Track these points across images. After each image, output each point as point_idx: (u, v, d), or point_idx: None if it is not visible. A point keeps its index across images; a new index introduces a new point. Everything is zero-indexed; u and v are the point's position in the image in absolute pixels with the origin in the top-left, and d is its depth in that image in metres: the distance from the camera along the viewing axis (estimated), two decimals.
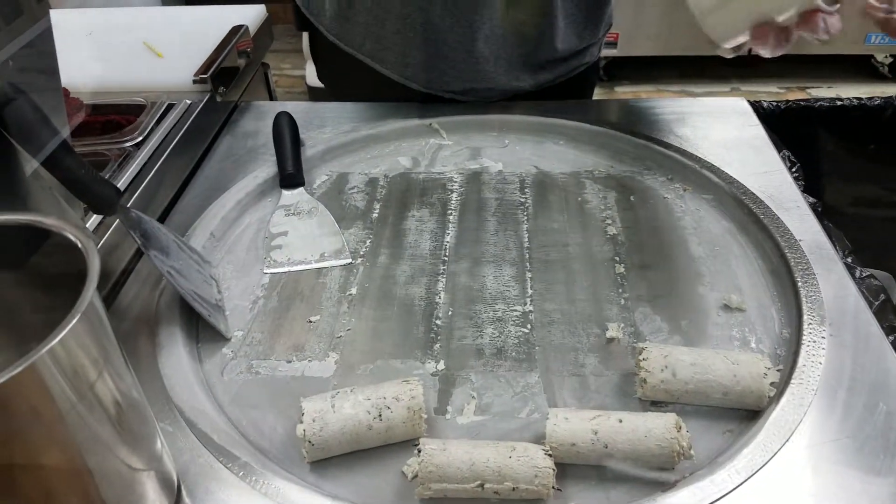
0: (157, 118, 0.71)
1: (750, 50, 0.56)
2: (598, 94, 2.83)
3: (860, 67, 2.78)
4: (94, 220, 0.57)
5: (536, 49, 0.79)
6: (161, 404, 0.47)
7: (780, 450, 0.42)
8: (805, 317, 0.51)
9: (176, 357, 0.50)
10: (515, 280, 0.59)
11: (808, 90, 2.71)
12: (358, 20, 0.76)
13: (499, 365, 0.51)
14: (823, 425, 0.44)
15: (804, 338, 0.49)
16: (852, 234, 1.09)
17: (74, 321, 0.28)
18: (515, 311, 0.56)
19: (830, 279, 0.55)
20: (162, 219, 0.64)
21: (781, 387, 0.46)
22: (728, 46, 0.56)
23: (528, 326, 0.54)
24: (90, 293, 0.29)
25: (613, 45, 2.64)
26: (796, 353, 0.48)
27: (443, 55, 0.76)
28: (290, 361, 0.51)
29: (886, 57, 2.72)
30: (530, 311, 0.56)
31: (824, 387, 0.47)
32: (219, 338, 0.53)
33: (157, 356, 0.50)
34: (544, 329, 0.54)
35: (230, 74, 0.83)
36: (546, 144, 0.76)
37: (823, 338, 0.50)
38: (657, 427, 0.41)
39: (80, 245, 0.32)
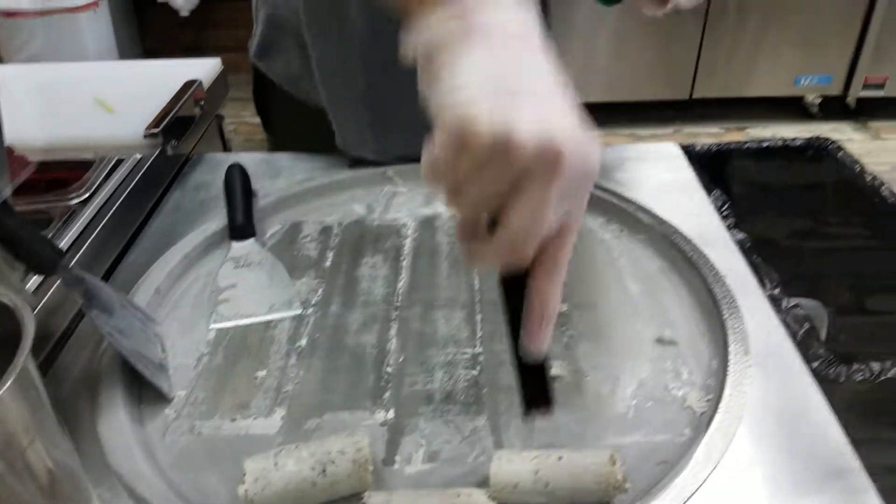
0: (105, 174, 0.71)
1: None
2: None
3: (793, 108, 2.93)
4: (34, 280, 0.56)
5: None
6: (99, 470, 0.46)
7: (708, 477, 0.44)
8: (731, 347, 0.54)
9: (116, 420, 0.49)
10: (466, 322, 0.60)
11: (747, 130, 2.83)
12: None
13: (448, 410, 0.52)
14: (749, 451, 0.47)
15: (730, 368, 0.52)
16: (788, 266, 1.14)
17: (5, 388, 0.28)
18: (465, 353, 0.57)
19: (755, 311, 0.58)
20: (107, 276, 0.64)
21: (710, 416, 0.48)
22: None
23: (478, 369, 0.55)
24: (22, 358, 0.29)
25: None
26: (723, 383, 0.51)
27: (389, 125, 0.78)
28: (234, 420, 0.51)
29: (816, 97, 2.87)
30: (480, 353, 0.57)
31: (749, 414, 0.49)
32: (161, 398, 0.52)
33: (96, 420, 0.49)
34: (493, 370, 0.55)
35: (183, 127, 0.84)
36: None
37: (748, 367, 0.52)
38: (594, 463, 0.43)
39: (14, 308, 0.32)
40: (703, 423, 0.49)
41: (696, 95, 2.78)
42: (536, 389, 0.40)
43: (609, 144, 0.95)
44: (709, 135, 2.80)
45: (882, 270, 1.01)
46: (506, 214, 0.33)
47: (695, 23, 2.63)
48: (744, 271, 0.64)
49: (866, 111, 2.90)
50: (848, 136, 2.81)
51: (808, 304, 0.94)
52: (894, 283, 0.99)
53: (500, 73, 0.33)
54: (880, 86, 2.79)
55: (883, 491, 0.44)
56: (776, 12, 2.62)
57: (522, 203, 0.32)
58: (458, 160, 0.32)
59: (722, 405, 0.49)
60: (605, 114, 2.84)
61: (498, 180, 0.32)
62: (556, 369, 0.54)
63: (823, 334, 0.94)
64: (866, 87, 2.78)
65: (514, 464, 0.43)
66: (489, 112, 0.31)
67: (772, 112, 2.91)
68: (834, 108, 2.92)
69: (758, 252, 0.84)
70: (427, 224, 0.73)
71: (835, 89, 2.80)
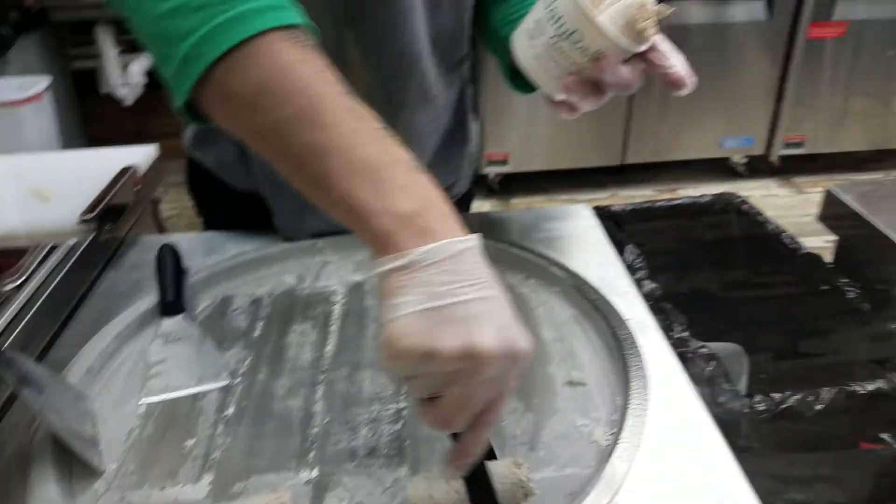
0: (39, 259, 0.74)
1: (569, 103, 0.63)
2: (494, 205, 3.01)
3: (720, 169, 3.11)
4: None
5: None
6: None
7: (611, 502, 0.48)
8: (632, 384, 0.58)
9: (46, 497, 0.50)
10: (391, 381, 0.63)
11: (678, 191, 2.98)
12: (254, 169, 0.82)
13: (371, 464, 0.54)
14: (648, 477, 0.51)
15: (630, 402, 0.56)
16: (725, 314, 1.20)
17: None
18: (389, 409, 0.60)
19: (654, 352, 0.64)
20: (41, 356, 0.65)
21: (612, 447, 0.53)
22: (558, 99, 0.64)
23: (401, 423, 0.58)
24: None
25: (505, 162, 2.87)
26: (623, 417, 0.55)
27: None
28: (163, 489, 0.52)
29: (741, 158, 3.05)
30: (403, 408, 0.60)
31: (647, 443, 0.53)
32: (92, 472, 0.53)
33: (27, 497, 0.50)
34: (415, 423, 0.58)
35: (118, 212, 0.87)
36: None
37: (647, 401, 0.57)
38: (500, 467, 0.46)
39: None
40: (606, 454, 0.53)
41: (627, 161, 2.93)
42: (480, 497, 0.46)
43: (530, 207, 1.01)
44: (643, 197, 2.93)
45: (809, 314, 1.08)
46: (440, 400, 0.42)
47: (619, 99, 2.78)
48: (646, 317, 0.69)
49: (789, 168, 3.09)
50: (773, 192, 2.98)
51: (727, 348, 1.00)
52: (822, 325, 1.05)
53: (432, 294, 0.40)
54: (799, 144, 2.98)
55: None
56: (698, 81, 2.81)
57: (452, 393, 0.41)
58: (392, 366, 0.41)
59: (623, 436, 0.54)
60: (547, 181, 3.00)
61: (430, 380, 0.41)
62: None
63: (744, 378, 1.00)
64: (787, 145, 2.98)
65: (430, 480, 0.46)
66: (417, 331, 0.39)
67: (701, 172, 3.08)
68: (759, 167, 3.10)
69: (671, 301, 0.90)
70: (356, 289, 0.77)
71: (757, 149, 2.99)
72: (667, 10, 0.57)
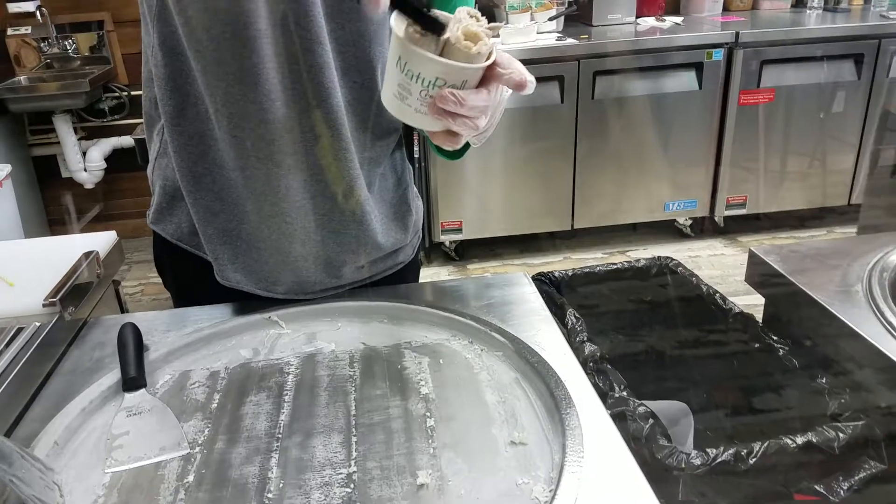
0: (5, 342, 0.77)
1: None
2: (451, 271, 3.08)
3: (668, 230, 3.25)
4: None
5: (351, 251, 0.91)
6: None
7: None
8: (568, 444, 0.63)
9: None
10: (342, 445, 0.67)
11: (627, 253, 3.10)
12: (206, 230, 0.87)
13: None
14: None
15: (566, 459, 0.61)
16: (680, 372, 1.26)
17: None
18: (341, 473, 0.64)
19: (590, 411, 0.69)
20: (9, 433, 0.68)
21: (550, 503, 0.57)
22: (437, 130, 0.68)
23: (352, 486, 0.62)
24: None
25: (460, 230, 2.95)
26: (561, 474, 0.60)
27: (263, 259, 0.88)
28: None
29: (686, 219, 3.20)
30: (354, 472, 0.64)
31: (583, 500, 0.58)
32: None
33: None
34: (365, 486, 0.62)
35: (80, 295, 0.91)
36: (373, 324, 0.89)
37: (582, 457, 0.62)
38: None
39: None
40: None
41: (577, 226, 3.05)
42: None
43: (475, 275, 1.08)
44: (594, 259, 3.05)
45: (753, 369, 1.14)
46: None
47: (565, 167, 2.93)
48: (582, 378, 0.74)
49: (733, 228, 3.25)
50: (720, 252, 3.12)
51: (671, 406, 1.06)
52: (766, 379, 1.12)
53: None
54: (742, 204, 3.14)
55: None
56: (635, 151, 2.97)
57: None
58: None
59: (559, 492, 0.58)
60: (502, 246, 3.10)
61: None
62: (421, 478, 0.62)
63: (690, 435, 1.05)
64: (729, 206, 3.13)
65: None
66: None
67: (650, 234, 3.22)
68: (705, 227, 3.25)
69: (612, 362, 0.96)
70: (308, 360, 0.81)
71: (701, 211, 3.14)
72: (495, 26, 0.62)
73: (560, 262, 3.02)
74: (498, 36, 0.64)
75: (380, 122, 0.87)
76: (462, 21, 0.61)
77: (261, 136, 0.79)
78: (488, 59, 0.63)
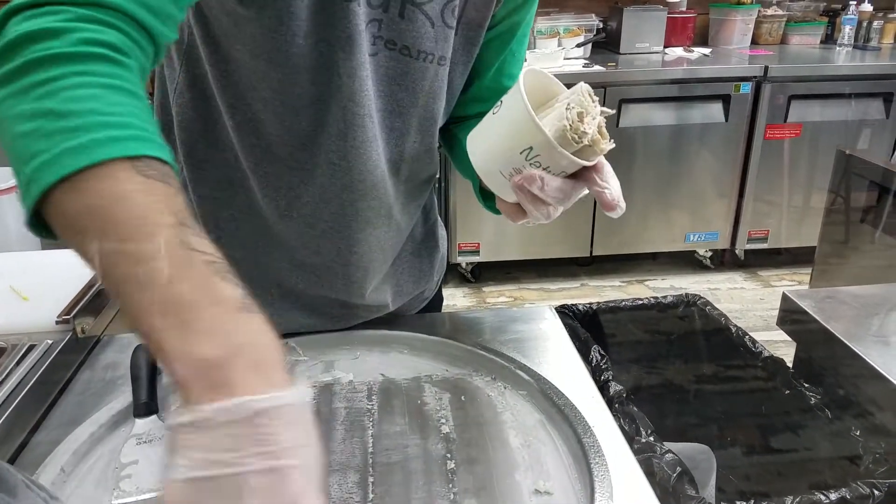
0: (17, 359, 0.75)
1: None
2: (466, 293, 3.04)
3: (687, 261, 3.21)
4: None
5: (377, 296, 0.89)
6: None
7: None
8: (596, 495, 0.60)
9: None
10: (359, 486, 0.64)
11: (646, 282, 3.06)
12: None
13: None
14: None
15: None
16: (692, 407, 1.22)
17: None
18: None
19: (619, 460, 0.65)
20: (14, 458, 0.66)
21: None
22: (510, 201, 0.65)
23: None
24: None
25: (477, 252, 2.93)
26: None
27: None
28: None
29: (707, 251, 3.16)
30: None
31: None
32: None
33: None
34: None
35: (94, 311, 0.89)
36: (392, 354, 0.86)
37: None
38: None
39: None
40: None
41: (595, 252, 3.02)
42: None
43: (491, 298, 1.04)
44: (612, 287, 3.01)
45: (770, 409, 1.11)
46: None
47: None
48: (611, 423, 0.71)
49: (754, 262, 3.20)
50: (740, 285, 3.07)
51: (695, 449, 1.02)
52: (784, 421, 1.08)
53: (208, 462, 0.37)
54: (763, 238, 3.09)
55: None
56: (659, 180, 2.94)
57: None
58: None
59: None
60: (519, 270, 3.06)
61: None
62: None
63: (712, 478, 1.01)
64: (751, 240, 3.09)
65: None
66: (180, 501, 0.38)
67: (669, 264, 3.17)
68: (725, 259, 3.21)
69: (640, 403, 0.93)
70: (325, 391, 0.79)
71: (722, 244, 3.10)
72: (607, 111, 0.60)
73: (578, 289, 2.99)
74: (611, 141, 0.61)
75: (423, 171, 0.84)
76: (591, 113, 0.58)
77: (297, 196, 0.76)
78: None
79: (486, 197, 0.76)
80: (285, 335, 0.85)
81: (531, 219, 0.66)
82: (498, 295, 2.98)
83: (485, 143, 0.63)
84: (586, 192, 0.63)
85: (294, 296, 0.85)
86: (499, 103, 0.61)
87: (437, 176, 0.91)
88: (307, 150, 0.73)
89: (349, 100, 0.70)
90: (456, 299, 2.92)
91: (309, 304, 0.86)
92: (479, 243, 2.92)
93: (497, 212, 0.73)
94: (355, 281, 0.83)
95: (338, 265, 0.82)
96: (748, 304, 2.87)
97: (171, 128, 0.77)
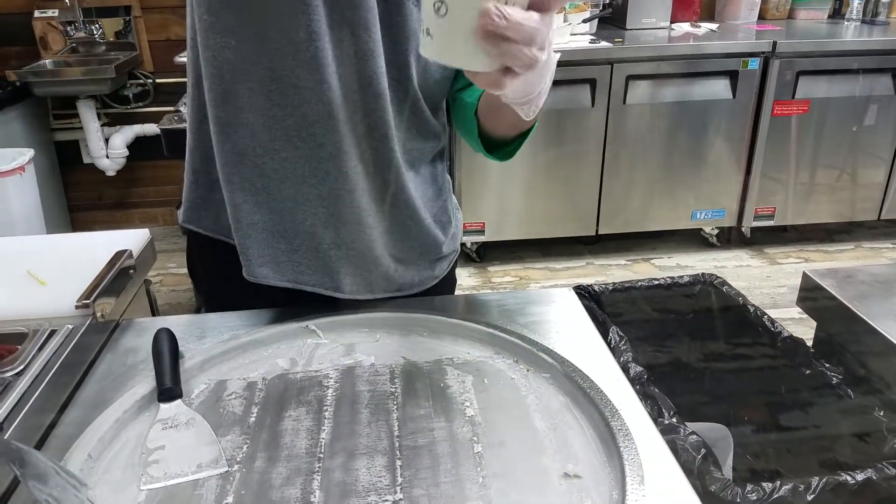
0: (39, 345, 0.75)
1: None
2: (471, 272, 3.05)
3: (693, 239, 3.20)
4: None
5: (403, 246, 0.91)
6: None
7: None
8: (627, 479, 0.60)
9: None
10: (387, 469, 0.64)
11: (652, 261, 3.05)
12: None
13: None
14: None
15: (627, 498, 0.58)
16: (706, 386, 1.22)
17: None
18: (387, 500, 0.60)
19: (647, 443, 0.65)
20: (40, 444, 0.66)
21: None
22: (481, 70, 0.57)
23: None
24: None
25: (482, 232, 2.92)
26: None
27: (293, 249, 0.87)
28: None
29: (713, 229, 3.15)
30: (400, 500, 0.60)
31: None
32: None
33: None
34: None
35: (112, 295, 0.88)
36: (412, 336, 0.85)
37: (643, 497, 0.58)
38: None
39: None
40: None
41: (601, 231, 3.01)
42: None
43: (516, 289, 1.04)
44: (618, 266, 3.00)
45: (788, 388, 1.10)
46: None
47: (592, 172, 2.89)
48: (637, 405, 0.71)
49: (760, 239, 3.19)
50: (746, 263, 3.07)
51: (713, 429, 1.02)
52: (802, 399, 1.08)
53: None
54: (770, 216, 3.08)
55: None
56: (665, 158, 2.92)
57: None
58: None
59: None
60: (523, 249, 3.05)
61: None
62: None
63: (729, 457, 1.01)
64: (757, 217, 3.08)
65: None
66: None
67: (675, 242, 3.16)
68: (731, 237, 3.20)
69: (656, 383, 0.92)
70: (348, 373, 0.78)
71: (729, 221, 3.08)
72: None
73: (583, 268, 2.98)
74: None
75: (416, 121, 0.85)
76: None
77: (304, 115, 0.78)
78: None
79: (490, 148, 0.77)
80: (304, 318, 0.85)
81: (517, 80, 0.58)
82: (503, 275, 2.97)
83: (440, 19, 0.54)
84: (557, 55, 0.60)
85: (302, 237, 0.86)
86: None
87: (443, 147, 0.91)
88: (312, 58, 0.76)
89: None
90: (461, 279, 2.92)
91: (310, 246, 0.87)
92: (483, 223, 2.91)
93: (501, 157, 0.74)
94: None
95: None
96: (755, 281, 2.87)
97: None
